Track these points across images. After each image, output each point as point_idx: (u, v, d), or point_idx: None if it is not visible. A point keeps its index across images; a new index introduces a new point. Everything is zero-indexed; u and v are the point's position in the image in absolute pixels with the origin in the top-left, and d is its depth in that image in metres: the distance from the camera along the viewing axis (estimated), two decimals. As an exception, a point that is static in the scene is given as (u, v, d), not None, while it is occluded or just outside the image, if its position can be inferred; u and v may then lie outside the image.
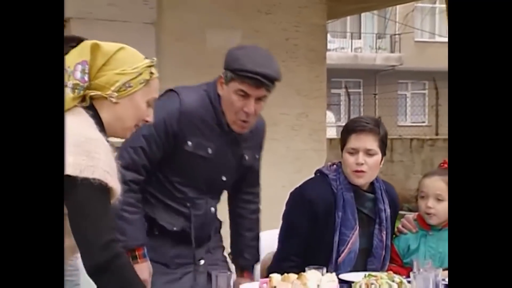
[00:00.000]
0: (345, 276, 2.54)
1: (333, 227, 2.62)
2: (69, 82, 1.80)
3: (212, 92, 2.47)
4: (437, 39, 20.60)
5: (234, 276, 2.29)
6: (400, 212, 3.01)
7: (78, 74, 1.81)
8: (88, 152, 1.70)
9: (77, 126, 1.75)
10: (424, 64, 19.08)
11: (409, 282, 2.31)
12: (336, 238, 2.62)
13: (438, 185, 2.78)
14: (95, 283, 1.70)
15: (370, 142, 2.64)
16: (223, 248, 2.72)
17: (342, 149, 2.71)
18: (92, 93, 1.83)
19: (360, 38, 21.57)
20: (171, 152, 2.44)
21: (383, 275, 2.36)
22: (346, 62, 19.78)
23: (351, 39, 21.31)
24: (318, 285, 2.19)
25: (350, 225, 2.64)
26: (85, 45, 1.85)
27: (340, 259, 2.63)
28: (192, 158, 2.45)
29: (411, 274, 2.28)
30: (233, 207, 2.73)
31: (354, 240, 2.64)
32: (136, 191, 2.40)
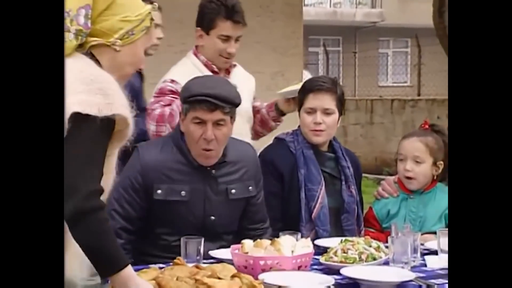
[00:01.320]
0: (321, 242, 2.58)
1: (298, 185, 2.72)
2: (72, 28, 1.80)
3: (178, 134, 2.54)
4: (421, -6, 20.57)
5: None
6: (380, 176, 3.06)
7: (81, 19, 1.81)
8: (101, 89, 1.72)
9: (82, 66, 1.77)
10: (406, 21, 19.05)
11: (387, 247, 2.36)
12: (303, 195, 2.73)
13: (417, 146, 2.81)
14: (70, 229, 1.70)
15: (327, 101, 2.78)
16: None
17: (299, 109, 2.85)
18: (95, 42, 1.83)
19: (339, -7, 21.44)
20: (147, 206, 2.48)
21: (359, 240, 2.40)
22: (325, 18, 19.67)
23: (330, -7, 21.18)
24: (292, 251, 2.22)
25: (315, 180, 2.75)
26: None
27: (313, 215, 2.73)
28: (167, 205, 2.47)
29: (389, 239, 2.32)
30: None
31: (322, 195, 2.75)
32: None
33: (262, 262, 2.18)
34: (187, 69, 2.89)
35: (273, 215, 2.73)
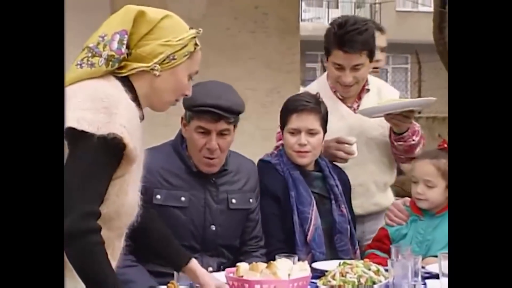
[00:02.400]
0: (318, 265, 2.59)
1: (291, 208, 2.74)
2: (104, 52, 1.83)
3: (178, 140, 2.59)
4: (420, 8, 20.73)
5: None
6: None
7: (115, 45, 1.84)
8: (107, 108, 1.73)
9: (100, 86, 1.79)
10: (406, 36, 19.17)
11: (387, 270, 2.36)
12: (296, 218, 2.73)
13: (428, 170, 2.78)
14: (64, 249, 1.70)
15: (311, 121, 2.80)
16: None
17: (282, 129, 2.86)
18: (134, 66, 1.85)
19: (337, 7, 21.58)
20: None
21: (358, 263, 2.40)
22: (322, 34, 19.78)
23: (328, 8, 21.32)
24: (289, 274, 2.23)
25: (306, 202, 2.76)
26: (128, 12, 1.87)
27: (309, 238, 2.74)
28: (166, 211, 2.49)
29: (389, 262, 2.33)
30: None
31: (315, 216, 2.77)
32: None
33: (257, 286, 2.18)
34: (317, 87, 3.05)
35: (276, 236, 2.75)
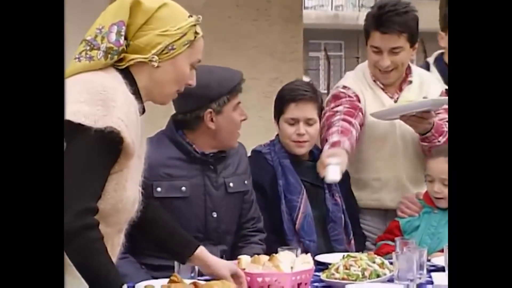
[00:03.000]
0: (322, 258, 2.60)
1: (278, 197, 2.77)
2: (102, 45, 1.82)
3: (172, 128, 2.63)
4: (427, -4, 20.67)
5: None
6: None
7: (112, 37, 1.82)
8: (104, 101, 1.72)
9: (98, 78, 1.78)
10: (412, 24, 19.15)
11: (391, 263, 2.38)
12: (283, 207, 2.77)
13: (443, 168, 2.75)
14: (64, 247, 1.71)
15: (310, 111, 2.82)
16: None
17: (277, 118, 2.87)
18: (132, 57, 1.84)
19: (341, -6, 21.55)
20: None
21: (363, 256, 2.42)
22: (326, 22, 19.77)
23: (331, -5, 21.28)
24: (291, 267, 2.24)
25: (295, 190, 2.79)
26: (124, 2, 1.85)
27: (297, 226, 2.77)
28: (167, 203, 2.48)
29: (393, 255, 2.34)
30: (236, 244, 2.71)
31: (304, 204, 2.79)
32: None
33: (260, 279, 2.19)
34: (355, 76, 3.06)
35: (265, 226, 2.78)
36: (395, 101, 2.98)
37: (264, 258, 2.28)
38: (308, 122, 2.81)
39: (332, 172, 2.57)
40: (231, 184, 2.65)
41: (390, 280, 2.33)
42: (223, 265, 2.21)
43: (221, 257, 2.55)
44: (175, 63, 1.88)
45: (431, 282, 2.40)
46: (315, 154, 2.89)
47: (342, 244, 2.81)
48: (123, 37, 1.83)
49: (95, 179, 1.74)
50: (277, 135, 2.92)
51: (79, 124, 1.70)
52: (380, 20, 2.88)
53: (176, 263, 2.29)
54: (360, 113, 2.91)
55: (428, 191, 2.87)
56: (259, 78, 4.89)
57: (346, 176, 2.91)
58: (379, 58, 2.91)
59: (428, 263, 2.49)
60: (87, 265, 1.71)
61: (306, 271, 2.25)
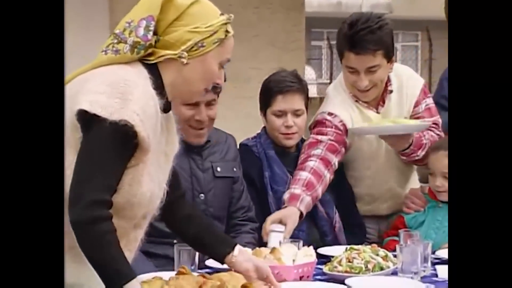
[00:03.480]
0: (324, 250, 2.60)
1: (265, 188, 2.80)
2: (129, 39, 1.83)
3: None
4: (432, -17, 20.64)
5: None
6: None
7: (140, 31, 1.83)
8: (123, 94, 1.73)
9: (120, 70, 1.79)
10: (416, 13, 19.10)
11: (395, 256, 2.38)
12: (271, 199, 2.80)
13: (443, 162, 2.74)
14: (76, 238, 1.72)
15: (297, 102, 2.83)
16: None
17: (264, 110, 2.87)
18: (161, 53, 1.85)
19: (344, -18, 21.49)
20: None
21: (366, 248, 2.42)
22: (328, 10, 19.71)
23: (334, -17, 21.23)
24: (293, 260, 2.24)
25: (281, 181, 2.81)
26: None
27: None
28: None
29: (397, 247, 2.34)
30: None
31: None
32: None
33: None
34: (336, 93, 2.96)
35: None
36: (380, 114, 2.93)
37: (266, 250, 2.28)
38: (296, 113, 2.82)
39: (274, 241, 2.52)
40: (218, 169, 2.69)
41: (394, 273, 2.33)
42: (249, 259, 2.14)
43: None
44: (204, 61, 1.89)
45: (436, 275, 2.40)
46: (301, 145, 2.92)
47: (330, 234, 2.83)
48: (151, 32, 1.84)
49: (109, 172, 1.74)
50: (264, 127, 2.93)
51: (95, 115, 1.70)
52: (352, 40, 2.75)
53: (176, 253, 2.29)
54: (343, 148, 2.87)
55: (430, 186, 2.87)
56: (261, 67, 4.87)
57: (340, 167, 2.90)
58: (356, 79, 2.81)
59: (433, 255, 2.50)
60: (98, 256, 1.72)
61: (308, 264, 2.25)
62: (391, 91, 2.94)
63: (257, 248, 2.33)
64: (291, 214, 2.62)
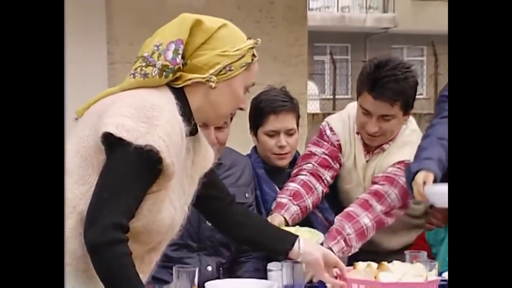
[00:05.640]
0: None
1: (258, 208, 2.79)
2: (158, 62, 1.86)
3: None
4: (437, -3, 20.74)
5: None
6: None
7: (169, 55, 1.86)
8: (149, 118, 1.75)
9: (148, 94, 1.82)
10: (421, 26, 19.19)
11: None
12: (264, 217, 2.73)
13: None
14: (90, 259, 1.74)
15: (290, 121, 2.84)
16: None
17: (255, 129, 2.87)
18: (189, 77, 1.87)
19: (348, -4, 21.61)
20: None
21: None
22: (331, 24, 19.83)
23: (338, -4, 21.35)
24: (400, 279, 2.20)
25: (271, 200, 2.81)
26: (185, 21, 1.90)
27: None
28: None
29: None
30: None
31: None
32: None
33: (355, 286, 2.20)
34: (345, 123, 2.92)
35: None
36: (366, 161, 2.88)
37: (375, 265, 2.25)
38: (289, 132, 2.82)
39: (274, 278, 2.44)
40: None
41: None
42: (328, 252, 2.25)
43: (218, 269, 2.55)
44: (231, 85, 1.92)
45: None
46: (295, 160, 2.92)
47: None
48: (180, 56, 1.87)
49: (130, 196, 1.75)
50: (254, 146, 2.93)
51: (120, 138, 1.72)
52: (375, 83, 2.71)
53: (174, 275, 2.28)
54: (337, 164, 2.86)
55: None
56: (262, 82, 4.87)
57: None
58: (367, 121, 2.77)
59: (440, 277, 2.47)
60: (112, 279, 1.73)
61: (409, 284, 2.18)
62: (386, 147, 2.86)
63: (369, 262, 2.29)
64: (273, 222, 2.59)
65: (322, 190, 2.82)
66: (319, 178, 2.82)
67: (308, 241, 2.20)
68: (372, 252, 2.83)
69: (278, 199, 2.74)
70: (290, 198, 2.72)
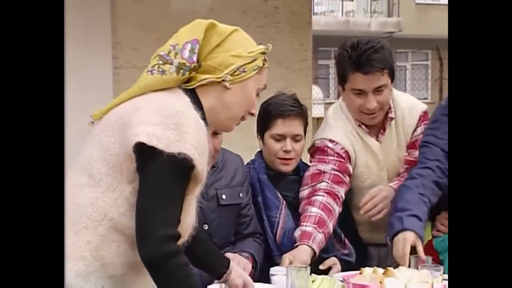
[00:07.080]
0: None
1: (260, 214, 2.79)
2: (175, 60, 1.90)
3: None
4: (441, 1, 20.74)
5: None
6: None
7: (186, 53, 1.91)
8: (177, 125, 1.78)
9: (168, 99, 1.84)
10: (426, 31, 19.18)
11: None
12: (266, 224, 2.79)
13: None
14: (150, 275, 1.77)
15: (297, 127, 2.82)
16: None
17: (262, 133, 2.86)
18: (204, 76, 1.91)
19: (352, 0, 21.62)
20: None
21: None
22: (336, 28, 19.81)
23: (342, 0, 21.36)
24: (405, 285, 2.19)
25: (273, 206, 2.80)
26: (199, 23, 1.95)
27: (277, 241, 2.78)
28: None
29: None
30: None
31: (283, 219, 2.79)
32: None
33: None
34: (343, 126, 2.94)
35: None
36: (380, 143, 2.93)
37: (381, 271, 2.26)
38: (295, 138, 2.82)
39: (277, 283, 2.47)
40: (223, 196, 2.67)
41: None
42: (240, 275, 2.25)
43: None
44: (244, 86, 1.96)
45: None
46: (299, 166, 2.91)
47: (329, 252, 2.81)
48: (196, 55, 1.91)
49: (173, 205, 1.79)
50: (259, 151, 2.93)
51: (152, 147, 1.74)
52: (359, 60, 2.76)
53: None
54: (347, 177, 2.86)
55: None
56: (267, 87, 4.89)
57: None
58: (364, 101, 2.81)
59: (445, 282, 2.47)
60: None
61: None
62: (391, 118, 2.94)
63: (375, 267, 2.29)
64: (300, 253, 2.61)
65: (339, 210, 2.81)
66: (335, 196, 2.80)
67: (237, 268, 2.23)
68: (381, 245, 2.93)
69: (303, 227, 2.70)
70: (315, 226, 2.69)
